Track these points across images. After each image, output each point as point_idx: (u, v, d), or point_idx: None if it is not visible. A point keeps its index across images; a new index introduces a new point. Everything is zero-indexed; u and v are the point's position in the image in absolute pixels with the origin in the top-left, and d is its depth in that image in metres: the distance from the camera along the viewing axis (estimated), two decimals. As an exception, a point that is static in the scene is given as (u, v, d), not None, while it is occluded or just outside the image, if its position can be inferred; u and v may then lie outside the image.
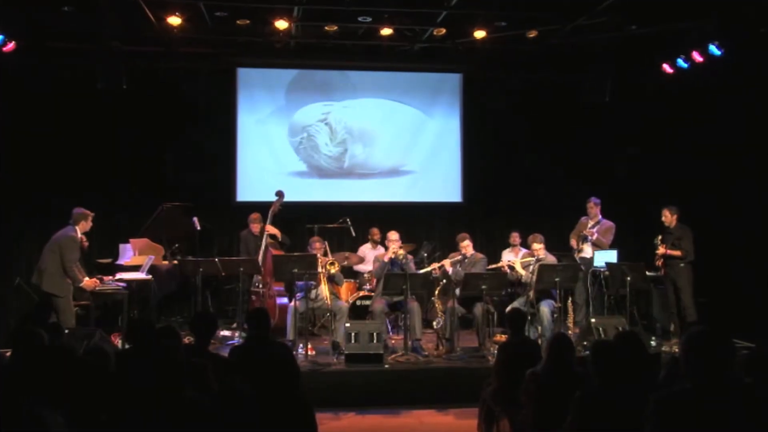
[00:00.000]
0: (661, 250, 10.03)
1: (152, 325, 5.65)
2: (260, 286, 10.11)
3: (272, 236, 10.29)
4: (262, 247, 10.13)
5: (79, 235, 8.89)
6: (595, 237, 10.38)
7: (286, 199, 10.35)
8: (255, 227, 10.42)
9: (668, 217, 10.08)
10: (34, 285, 8.96)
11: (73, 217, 8.93)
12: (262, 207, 10.50)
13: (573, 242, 10.67)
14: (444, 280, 9.67)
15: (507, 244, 11.03)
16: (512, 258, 10.14)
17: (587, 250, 10.45)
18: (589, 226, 10.53)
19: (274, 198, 10.32)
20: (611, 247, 10.41)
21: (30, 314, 9.34)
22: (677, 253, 9.92)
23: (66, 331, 7.50)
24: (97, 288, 9.05)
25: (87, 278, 8.97)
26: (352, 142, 12.47)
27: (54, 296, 8.66)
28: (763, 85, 10.14)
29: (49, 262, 8.72)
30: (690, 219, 10.18)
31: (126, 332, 5.75)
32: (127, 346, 6.71)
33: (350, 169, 12.46)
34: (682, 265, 9.93)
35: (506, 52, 11.55)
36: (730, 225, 10.85)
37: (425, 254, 10.95)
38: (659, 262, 10.12)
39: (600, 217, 10.59)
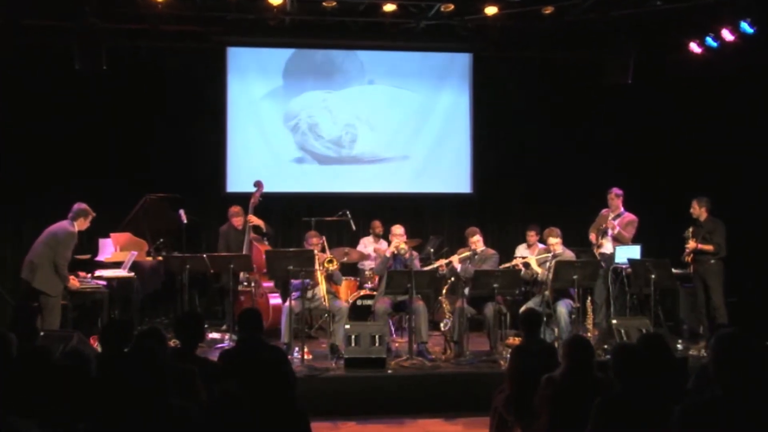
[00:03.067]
0: (691, 244, 10.00)
1: (130, 325, 5.65)
2: (249, 284, 10.13)
3: (256, 228, 10.32)
4: (246, 242, 10.15)
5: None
6: (616, 230, 10.35)
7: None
8: (237, 221, 10.46)
9: (697, 210, 10.04)
10: (24, 281, 8.92)
11: (73, 212, 9.00)
12: (253, 198, 10.52)
13: (592, 236, 10.64)
14: (452, 278, 9.67)
15: (520, 239, 11.01)
16: (527, 254, 10.13)
17: (607, 245, 10.43)
18: (610, 218, 10.50)
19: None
20: (634, 241, 10.39)
21: (17, 317, 9.30)
22: (708, 247, 9.89)
23: (42, 333, 7.51)
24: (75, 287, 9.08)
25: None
26: (352, 127, 12.44)
27: (44, 294, 8.69)
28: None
29: (44, 256, 8.76)
30: (723, 212, 10.16)
31: (101, 334, 5.74)
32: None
33: (350, 158, 12.43)
34: (712, 261, 9.90)
35: (520, 29, 11.52)
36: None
37: (432, 250, 10.94)
38: (688, 258, 10.10)
39: (622, 209, 10.56)
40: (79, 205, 9.04)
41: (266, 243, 10.43)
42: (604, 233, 10.47)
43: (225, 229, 10.62)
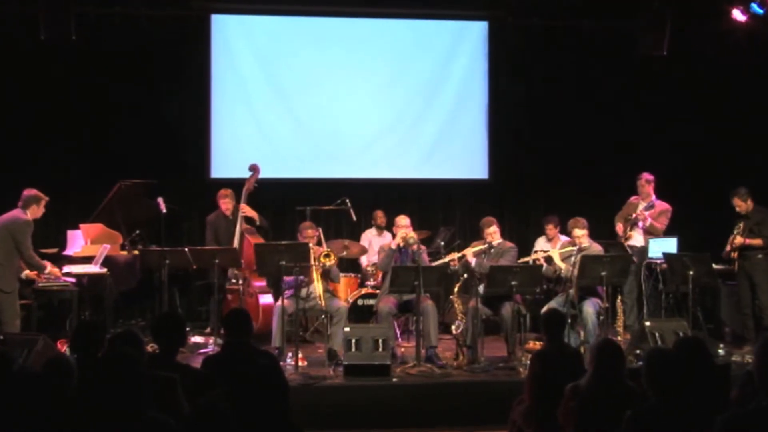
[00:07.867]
0: (738, 240, 9.94)
1: (103, 328, 5.65)
2: (238, 281, 10.12)
3: (248, 220, 10.30)
4: (237, 232, 10.13)
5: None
6: (647, 222, 10.33)
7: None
8: (226, 205, 10.37)
9: (743, 205, 9.92)
10: None
11: (23, 200, 8.99)
12: (241, 185, 10.49)
13: (619, 227, 10.61)
14: (465, 275, 9.65)
15: (542, 230, 11.00)
16: (548, 248, 10.12)
17: (637, 237, 10.43)
18: (641, 207, 10.48)
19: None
20: (668, 233, 10.37)
21: None
22: (756, 241, 9.86)
23: (1, 336, 7.52)
24: (40, 284, 9.09)
25: (28, 271, 9.03)
26: (352, 105, 12.42)
27: None
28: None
29: None
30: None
31: (72, 337, 5.73)
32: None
33: (350, 139, 12.41)
34: (760, 256, 9.88)
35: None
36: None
37: (442, 243, 10.94)
38: (734, 254, 10.07)
39: (653, 196, 10.54)
40: (28, 192, 9.02)
41: (260, 236, 10.41)
42: (633, 224, 10.46)
43: (212, 218, 10.56)
